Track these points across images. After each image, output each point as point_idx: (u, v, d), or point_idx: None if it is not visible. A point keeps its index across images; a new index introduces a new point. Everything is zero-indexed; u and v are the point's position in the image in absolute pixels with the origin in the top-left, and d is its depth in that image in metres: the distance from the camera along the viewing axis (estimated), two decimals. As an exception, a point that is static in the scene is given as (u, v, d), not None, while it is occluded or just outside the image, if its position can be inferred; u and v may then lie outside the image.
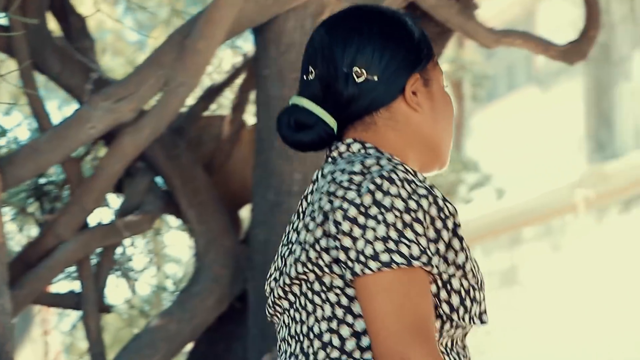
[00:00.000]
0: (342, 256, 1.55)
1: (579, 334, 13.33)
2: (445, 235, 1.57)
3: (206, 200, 3.90)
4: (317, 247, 1.58)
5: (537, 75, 16.14)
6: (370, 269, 1.52)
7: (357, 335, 1.58)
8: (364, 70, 1.65)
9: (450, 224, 1.58)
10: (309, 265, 1.58)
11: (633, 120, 16.09)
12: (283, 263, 1.64)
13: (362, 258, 1.52)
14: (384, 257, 1.52)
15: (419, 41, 1.70)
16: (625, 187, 15.20)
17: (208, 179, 3.96)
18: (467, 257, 1.59)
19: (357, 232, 1.54)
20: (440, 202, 1.58)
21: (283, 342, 1.66)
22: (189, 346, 4.02)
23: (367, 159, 1.58)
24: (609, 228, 13.43)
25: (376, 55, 1.65)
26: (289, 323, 1.64)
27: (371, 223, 1.53)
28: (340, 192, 1.56)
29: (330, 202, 1.56)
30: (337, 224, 1.55)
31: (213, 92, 4.21)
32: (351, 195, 1.55)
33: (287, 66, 3.74)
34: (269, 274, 1.69)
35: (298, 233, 1.62)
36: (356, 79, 1.64)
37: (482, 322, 1.62)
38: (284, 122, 1.66)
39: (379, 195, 1.54)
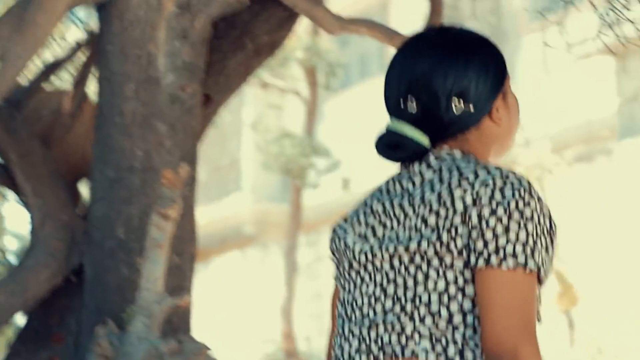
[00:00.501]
0: (479, 245, 1.74)
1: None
2: (552, 248, 1.80)
3: (43, 174, 3.85)
4: (453, 232, 1.76)
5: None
6: (508, 265, 1.72)
7: (463, 312, 1.76)
8: (461, 101, 1.84)
9: (555, 239, 1.81)
10: (437, 245, 1.77)
11: None
12: (377, 238, 1.83)
13: (501, 253, 1.73)
14: (521, 259, 1.73)
15: (502, 63, 1.90)
16: None
17: (46, 152, 3.90)
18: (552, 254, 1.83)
19: (500, 229, 1.74)
20: (552, 218, 1.81)
21: (364, 296, 1.83)
22: (23, 319, 3.98)
23: (497, 167, 1.80)
24: None
25: (472, 85, 1.84)
26: (381, 282, 1.81)
27: (515, 226, 1.74)
28: (492, 183, 1.77)
29: (475, 197, 1.76)
30: (481, 217, 1.75)
31: (54, 67, 4.13)
32: (499, 197, 1.76)
33: (130, 42, 3.71)
34: (348, 237, 1.88)
35: (410, 224, 1.80)
36: (454, 109, 1.84)
37: (539, 320, 1.83)
38: (384, 143, 1.88)
39: (528, 206, 1.75)
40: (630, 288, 11.09)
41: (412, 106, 1.85)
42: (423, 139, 1.85)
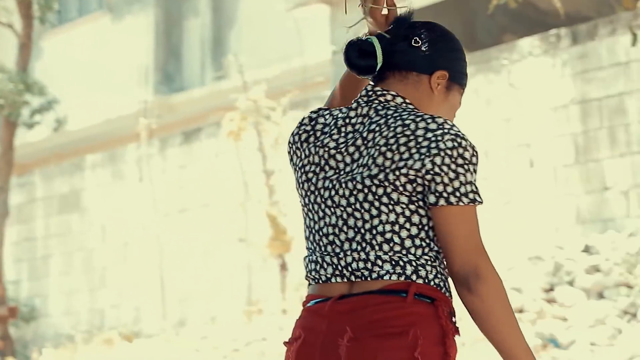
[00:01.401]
0: (439, 188, 2.18)
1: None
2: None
3: None
4: (398, 172, 2.19)
5: (109, 3, 16.60)
6: (463, 202, 2.19)
7: (411, 237, 2.22)
8: (419, 42, 2.33)
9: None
10: (385, 184, 2.20)
11: (200, 56, 16.21)
12: (341, 178, 2.24)
13: (457, 193, 2.18)
14: (472, 196, 2.20)
15: (464, 62, 2.42)
16: (188, 119, 15.12)
17: None
18: None
19: (452, 175, 2.19)
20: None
21: (329, 226, 2.27)
22: None
23: (436, 118, 2.25)
24: (171, 157, 14.09)
25: (432, 44, 2.34)
26: (341, 215, 2.25)
27: (462, 170, 2.20)
28: (443, 141, 2.19)
29: (436, 143, 2.18)
30: (434, 163, 2.18)
31: None
32: (457, 141, 2.20)
33: None
34: (304, 173, 2.30)
35: (366, 158, 2.22)
36: (412, 42, 2.34)
37: None
38: (353, 48, 2.34)
39: (469, 154, 2.23)
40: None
41: (388, 34, 2.37)
42: (378, 53, 2.31)
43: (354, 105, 2.33)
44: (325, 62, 15.38)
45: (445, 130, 2.24)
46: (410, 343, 2.19)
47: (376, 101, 2.32)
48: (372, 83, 2.37)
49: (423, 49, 2.36)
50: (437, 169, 2.21)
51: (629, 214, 10.73)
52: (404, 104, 2.33)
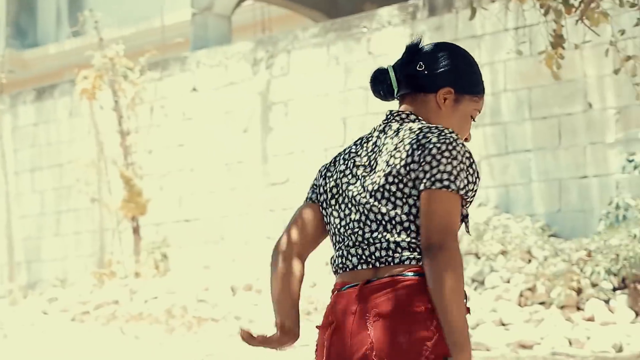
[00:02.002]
0: (420, 175, 2.55)
1: None
2: (474, 180, 2.59)
3: None
4: (407, 167, 2.58)
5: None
6: (437, 186, 2.53)
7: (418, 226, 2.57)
8: (423, 66, 2.69)
9: (476, 175, 2.60)
10: (396, 180, 2.59)
11: (55, 10, 16.07)
12: (363, 187, 2.64)
13: (433, 179, 2.53)
14: (446, 183, 2.52)
15: (473, 74, 2.73)
16: (41, 76, 14.87)
17: None
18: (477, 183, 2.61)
19: (434, 164, 2.54)
20: (473, 159, 2.60)
21: (354, 222, 2.65)
22: None
23: (438, 127, 2.62)
24: (23, 114, 13.76)
25: (435, 64, 2.69)
26: (364, 211, 2.63)
27: (444, 161, 2.54)
28: (432, 138, 2.57)
29: (423, 142, 2.57)
30: (423, 157, 2.56)
31: None
32: (441, 140, 2.56)
33: None
34: (325, 183, 2.72)
35: (384, 170, 2.61)
36: (417, 67, 2.69)
37: (467, 230, 2.67)
38: (373, 78, 2.74)
39: (453, 150, 2.56)
40: (198, 199, 13.07)
41: (397, 61, 2.74)
42: (393, 80, 2.70)
43: (377, 126, 2.74)
44: (184, 24, 15.18)
45: (442, 134, 2.59)
46: (427, 317, 2.54)
47: (393, 121, 2.69)
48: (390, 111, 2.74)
49: (426, 72, 2.69)
50: (428, 159, 2.56)
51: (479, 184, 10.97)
52: (417, 120, 2.69)
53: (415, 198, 2.58)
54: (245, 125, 12.62)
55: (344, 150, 2.78)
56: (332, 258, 2.73)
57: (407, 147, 2.60)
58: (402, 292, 2.57)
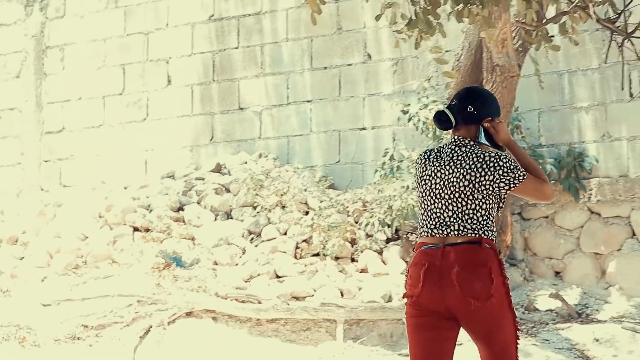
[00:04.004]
0: (510, 179, 4.24)
1: None
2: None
3: None
4: (480, 182, 4.24)
5: None
6: (524, 177, 4.25)
7: (481, 216, 4.26)
8: (472, 109, 4.35)
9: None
10: (470, 187, 4.24)
11: None
12: (445, 189, 4.30)
13: (518, 176, 4.24)
14: (522, 173, 4.24)
15: (496, 105, 4.45)
16: None
17: None
18: None
19: (512, 170, 4.23)
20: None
21: (438, 213, 4.31)
22: None
23: (487, 150, 4.32)
24: None
25: (478, 108, 4.37)
26: (445, 203, 4.30)
27: (514, 166, 4.23)
28: (499, 162, 4.23)
29: (495, 164, 4.22)
30: (502, 169, 4.23)
31: None
32: (504, 161, 4.24)
33: None
34: (422, 179, 4.38)
35: (461, 179, 4.27)
36: (468, 110, 4.36)
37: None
38: (437, 117, 4.40)
39: (504, 157, 4.25)
40: None
41: (452, 103, 4.43)
42: (452, 118, 4.37)
43: (449, 145, 4.36)
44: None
45: (499, 157, 4.25)
46: (489, 270, 4.16)
47: (460, 143, 4.33)
48: (453, 135, 4.39)
49: (475, 112, 4.34)
50: (500, 177, 4.24)
51: (260, 135, 10.82)
52: (472, 143, 4.33)
53: (479, 201, 4.24)
54: (18, 71, 11.99)
55: (427, 155, 4.41)
56: (418, 230, 4.38)
57: (481, 169, 4.24)
58: (470, 253, 4.18)
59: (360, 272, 9.07)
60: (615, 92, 8.97)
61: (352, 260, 9.23)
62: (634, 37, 4.94)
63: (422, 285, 4.15)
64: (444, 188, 4.27)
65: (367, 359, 7.60)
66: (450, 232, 4.21)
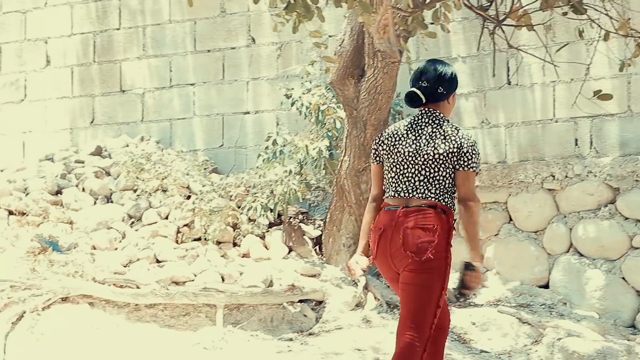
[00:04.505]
0: (462, 161, 4.81)
1: None
2: (478, 159, 4.87)
3: None
4: (448, 153, 4.81)
5: None
6: (473, 169, 4.83)
7: (442, 182, 4.85)
8: (441, 88, 4.90)
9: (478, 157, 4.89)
10: (440, 158, 4.82)
11: None
12: (418, 156, 4.87)
13: (470, 164, 4.82)
14: (475, 167, 4.83)
15: (457, 83, 5.00)
16: None
17: None
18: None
19: (469, 155, 4.82)
20: (478, 149, 4.91)
21: (410, 180, 4.87)
22: None
23: (458, 128, 4.94)
24: None
25: (446, 85, 4.92)
26: (417, 174, 4.86)
27: (473, 153, 4.84)
28: (465, 141, 4.82)
29: (461, 143, 4.81)
30: (462, 149, 4.81)
31: None
32: (470, 143, 4.84)
33: None
34: (391, 150, 4.93)
35: (436, 148, 4.85)
36: (439, 90, 4.91)
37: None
38: (408, 96, 4.90)
39: (472, 144, 4.86)
40: None
41: (422, 85, 4.90)
42: (423, 98, 4.86)
43: (415, 118, 4.92)
44: None
45: (461, 133, 4.83)
46: (434, 231, 4.68)
47: (432, 115, 4.89)
48: (422, 108, 4.93)
49: (444, 92, 4.87)
50: (457, 151, 4.79)
51: (143, 117, 10.66)
52: (440, 115, 4.89)
53: (442, 169, 4.78)
54: None
55: (394, 131, 4.93)
56: (385, 194, 4.93)
57: (441, 138, 4.81)
58: (422, 216, 4.73)
59: (243, 256, 9.02)
60: (494, 80, 9.11)
61: (235, 245, 9.18)
62: (505, 24, 5.03)
63: (375, 252, 4.83)
64: (417, 155, 4.83)
65: (247, 343, 7.57)
66: (412, 195, 4.80)
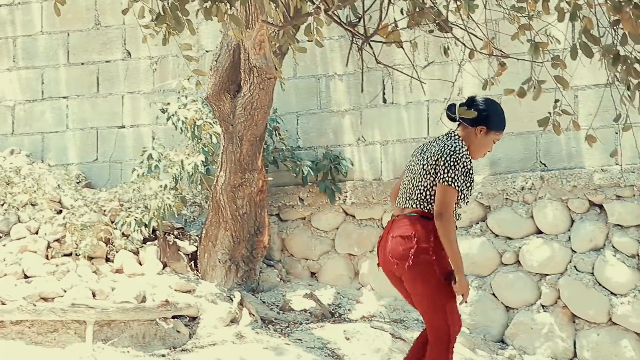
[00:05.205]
0: (440, 173, 5.09)
1: None
2: (470, 180, 5.16)
3: None
4: (433, 163, 5.15)
5: None
6: (447, 182, 5.08)
7: (427, 193, 5.18)
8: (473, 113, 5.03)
9: (470, 178, 5.16)
10: (428, 169, 5.17)
11: None
12: (417, 166, 5.26)
13: (444, 177, 5.08)
14: (450, 182, 5.08)
15: (499, 119, 5.33)
16: None
17: None
18: (470, 186, 5.21)
19: (446, 169, 5.09)
20: (471, 168, 5.17)
21: (404, 189, 5.31)
22: None
23: (456, 144, 5.15)
24: None
25: (479, 115, 5.16)
26: (413, 179, 5.24)
27: (450, 167, 5.10)
28: (447, 154, 5.12)
29: (443, 155, 5.11)
30: (440, 161, 5.12)
31: None
32: (451, 157, 5.12)
33: None
34: (410, 162, 5.37)
35: (428, 159, 5.19)
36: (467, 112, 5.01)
37: (458, 216, 5.31)
38: (450, 110, 5.25)
39: (455, 159, 5.11)
40: None
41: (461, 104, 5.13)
42: (456, 113, 5.08)
43: (437, 137, 5.29)
44: None
45: (450, 147, 5.12)
46: (414, 236, 5.05)
47: (448, 134, 5.24)
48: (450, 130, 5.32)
49: (470, 120, 5.11)
50: (439, 164, 5.08)
51: (13, 130, 10.40)
52: (457, 136, 5.20)
53: (428, 180, 5.10)
54: None
55: (419, 147, 5.33)
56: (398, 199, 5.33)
57: (433, 152, 5.14)
58: (404, 224, 5.11)
59: (115, 272, 8.87)
60: (370, 97, 9.21)
61: (107, 260, 9.02)
62: (373, 40, 5.07)
63: (378, 258, 5.32)
64: (415, 167, 5.21)
65: (118, 361, 7.44)
66: (406, 205, 5.18)
